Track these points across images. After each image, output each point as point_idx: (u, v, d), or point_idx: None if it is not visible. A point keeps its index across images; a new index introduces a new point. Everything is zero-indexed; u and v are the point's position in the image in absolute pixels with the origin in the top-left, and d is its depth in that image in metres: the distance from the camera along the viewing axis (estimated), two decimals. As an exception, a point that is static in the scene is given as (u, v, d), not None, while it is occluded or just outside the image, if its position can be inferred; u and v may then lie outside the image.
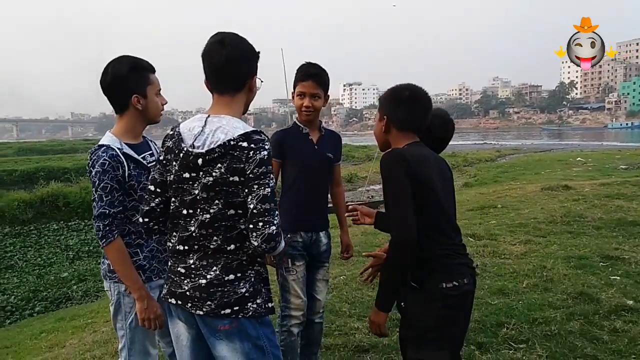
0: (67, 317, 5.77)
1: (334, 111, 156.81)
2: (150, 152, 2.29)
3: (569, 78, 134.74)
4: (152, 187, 1.80)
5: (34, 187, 16.76)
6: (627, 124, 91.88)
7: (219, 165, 1.63)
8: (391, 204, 1.86)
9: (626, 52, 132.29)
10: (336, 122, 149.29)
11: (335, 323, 3.77)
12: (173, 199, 1.75)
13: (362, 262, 5.06)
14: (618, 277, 4.37)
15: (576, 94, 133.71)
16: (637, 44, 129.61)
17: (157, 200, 1.79)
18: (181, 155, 1.69)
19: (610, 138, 56.39)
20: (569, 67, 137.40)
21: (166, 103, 2.32)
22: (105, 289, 2.29)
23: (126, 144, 2.17)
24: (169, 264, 1.81)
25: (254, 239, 1.61)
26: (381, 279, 1.92)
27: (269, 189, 1.62)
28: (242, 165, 1.62)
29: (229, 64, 1.71)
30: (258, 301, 1.71)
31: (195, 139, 1.68)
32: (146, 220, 1.81)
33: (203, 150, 1.65)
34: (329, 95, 2.71)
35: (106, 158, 2.07)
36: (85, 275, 9.22)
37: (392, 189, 1.86)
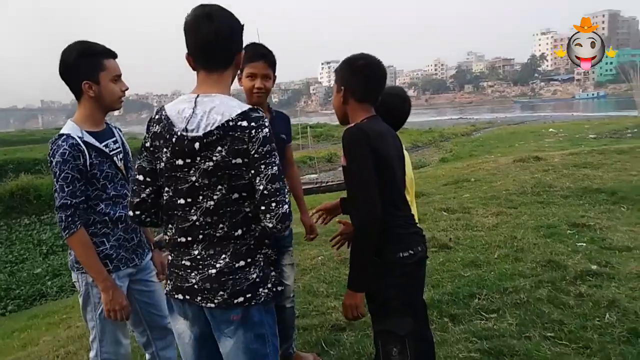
0: (40, 314, 5.69)
1: (313, 90, 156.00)
2: (114, 139, 2.23)
3: (539, 51, 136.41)
4: (140, 177, 1.67)
5: (3, 180, 16.39)
6: (593, 94, 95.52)
7: (219, 148, 1.52)
8: (355, 182, 1.87)
9: (594, 23, 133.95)
10: (315, 101, 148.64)
11: (312, 303, 3.78)
12: (166, 189, 1.63)
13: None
14: (584, 244, 4.50)
15: (547, 66, 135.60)
16: (603, 15, 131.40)
17: (147, 190, 1.67)
18: (173, 140, 1.56)
19: (579, 109, 57.51)
20: (539, 39, 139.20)
21: (126, 89, 2.23)
22: (73, 280, 2.25)
23: (87, 131, 2.11)
24: (170, 258, 1.71)
25: (269, 221, 1.54)
26: (351, 259, 1.92)
27: (276, 168, 1.55)
28: (245, 146, 1.52)
29: (219, 40, 1.58)
30: (269, 285, 1.65)
31: (187, 122, 1.55)
32: (137, 213, 1.69)
33: (200, 134, 1.53)
34: (276, 76, 2.62)
35: (66, 147, 2.01)
36: (60, 270, 9.09)
37: (355, 167, 1.86)
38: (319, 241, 5.61)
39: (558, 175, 7.98)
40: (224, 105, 1.55)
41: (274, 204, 1.52)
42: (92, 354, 2.23)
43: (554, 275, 3.79)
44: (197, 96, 1.59)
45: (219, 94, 1.60)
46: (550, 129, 23.98)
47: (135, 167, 1.73)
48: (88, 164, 2.06)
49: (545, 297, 3.42)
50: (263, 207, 1.53)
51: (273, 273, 1.68)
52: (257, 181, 1.53)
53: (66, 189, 2.01)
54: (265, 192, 1.52)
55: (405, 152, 2.23)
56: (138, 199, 1.67)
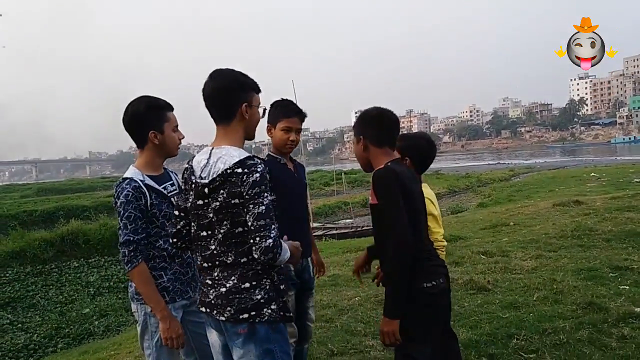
0: (90, 350, 5.91)
1: (347, 138, 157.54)
2: (171, 182, 2.48)
3: (578, 95, 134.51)
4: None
5: (54, 226, 17.16)
6: (630, 138, 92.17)
7: (222, 191, 1.84)
8: (387, 217, 2.05)
9: (634, 66, 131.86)
10: (349, 148, 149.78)
11: (350, 342, 3.87)
12: (193, 224, 1.97)
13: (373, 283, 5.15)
14: (627, 287, 4.43)
15: (587, 110, 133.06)
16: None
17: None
18: (193, 185, 1.93)
19: (623, 153, 55.80)
20: (577, 84, 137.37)
21: (183, 137, 2.51)
22: (132, 311, 2.45)
23: (148, 175, 2.35)
24: (200, 278, 2.03)
25: (255, 252, 1.81)
26: (387, 289, 2.09)
27: (263, 207, 1.80)
28: (239, 189, 1.81)
29: (216, 95, 1.92)
30: (273, 307, 1.87)
31: (202, 171, 1.91)
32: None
33: (207, 181, 1.88)
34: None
35: (129, 189, 2.25)
36: (107, 311, 9.40)
37: (387, 203, 2.05)
38: (355, 283, 5.73)
39: (600, 218, 7.84)
40: (227, 155, 1.87)
41: (258, 239, 1.79)
42: None
43: (595, 317, 3.76)
44: (212, 148, 1.94)
45: (226, 146, 1.91)
46: (592, 173, 23.38)
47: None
48: (149, 204, 2.28)
49: (586, 339, 3.41)
50: (251, 241, 1.81)
51: (281, 298, 1.91)
52: (248, 218, 1.81)
53: (129, 227, 2.22)
54: (252, 227, 1.80)
55: (430, 190, 2.44)
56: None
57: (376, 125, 2.24)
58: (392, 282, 2.06)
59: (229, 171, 1.83)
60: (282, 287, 1.94)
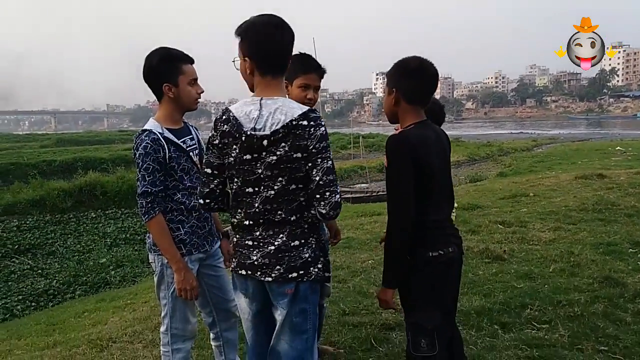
0: (107, 298, 6.07)
1: (366, 101, 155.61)
2: (191, 136, 2.44)
3: (610, 65, 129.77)
4: (209, 170, 1.88)
5: (73, 176, 17.53)
6: None
7: (283, 144, 1.72)
8: (391, 187, 2.01)
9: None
10: (368, 111, 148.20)
11: (362, 303, 3.89)
12: (235, 180, 1.83)
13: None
14: (646, 263, 4.34)
15: (617, 81, 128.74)
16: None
17: (215, 181, 1.89)
18: (243, 138, 1.76)
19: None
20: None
21: (202, 92, 2.42)
22: (150, 261, 2.47)
23: (167, 128, 2.32)
24: (235, 239, 1.93)
25: (322, 207, 1.74)
26: (385, 259, 2.05)
27: (330, 162, 1.76)
28: (305, 142, 1.72)
29: (286, 46, 1.81)
30: (319, 266, 1.84)
31: (255, 123, 1.75)
32: (207, 201, 1.91)
33: (267, 132, 1.73)
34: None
35: (148, 141, 2.22)
36: (123, 261, 9.63)
37: (394, 173, 1.98)
38: (369, 246, 5.74)
39: (623, 193, 7.66)
40: (286, 107, 1.76)
41: (327, 193, 1.73)
42: (162, 328, 2.44)
43: (611, 291, 3.70)
44: (261, 99, 1.79)
45: (279, 97, 1.80)
46: (618, 147, 22.79)
47: (204, 161, 1.93)
48: (167, 157, 2.26)
49: (600, 312, 3.37)
50: (318, 196, 1.74)
51: (324, 257, 1.87)
52: (314, 173, 1.73)
53: (147, 179, 2.22)
54: (320, 182, 1.73)
55: None
56: (207, 189, 1.90)
57: (415, 79, 2.04)
58: (389, 252, 2.03)
59: (293, 123, 1.72)
60: (325, 244, 1.92)
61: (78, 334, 4.18)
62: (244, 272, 1.87)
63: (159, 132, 2.27)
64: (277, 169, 1.75)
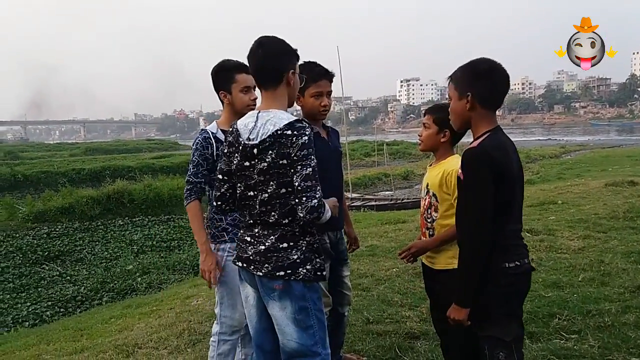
0: (133, 305, 6.16)
1: (391, 108, 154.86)
2: None
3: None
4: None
5: (101, 184, 17.93)
6: None
7: (270, 152, 1.90)
8: (470, 203, 1.93)
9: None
10: (392, 119, 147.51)
11: (387, 312, 3.86)
12: (239, 184, 2.05)
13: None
14: (680, 272, 4.19)
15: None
16: None
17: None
18: (240, 147, 1.99)
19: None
20: (639, 58, 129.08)
21: (255, 98, 2.58)
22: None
23: (222, 130, 2.54)
24: (239, 234, 2.14)
25: (300, 211, 1.88)
26: (460, 277, 1.97)
27: (310, 169, 1.88)
28: (288, 150, 1.88)
29: (266, 61, 1.97)
30: (308, 267, 1.96)
31: (250, 133, 1.97)
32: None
33: (257, 142, 1.94)
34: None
35: (200, 139, 2.53)
36: (149, 268, 9.74)
37: (474, 189, 1.91)
38: (393, 254, 5.69)
39: (655, 201, 7.44)
40: (276, 118, 1.94)
41: (304, 198, 1.86)
42: (216, 311, 2.61)
43: (643, 301, 3.59)
44: (259, 112, 2.01)
45: (274, 109, 1.98)
46: (650, 154, 22.18)
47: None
48: (215, 154, 2.50)
49: (632, 323, 3.27)
50: (297, 200, 1.88)
51: (317, 259, 1.99)
52: (295, 178, 1.88)
53: (192, 170, 2.51)
54: (299, 187, 1.87)
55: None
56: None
57: (489, 81, 1.96)
58: (465, 272, 1.95)
59: (279, 132, 1.89)
60: (318, 247, 2.03)
61: (105, 340, 4.25)
62: (240, 264, 2.07)
63: (212, 132, 2.55)
64: (267, 174, 1.93)
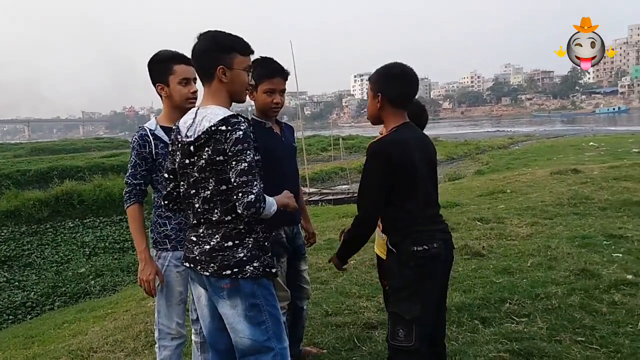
0: (87, 308, 5.97)
1: (345, 102, 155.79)
2: None
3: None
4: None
5: (48, 186, 17.12)
6: (614, 109, 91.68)
7: (206, 148, 1.88)
8: (362, 187, 2.19)
9: (638, 34, 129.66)
10: (347, 113, 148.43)
11: (345, 303, 3.91)
12: (182, 182, 2.03)
13: (370, 246, 5.18)
14: (620, 254, 4.46)
15: (589, 78, 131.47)
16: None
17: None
18: (179, 145, 1.98)
19: (623, 122, 55.61)
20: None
21: (196, 91, 2.44)
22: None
23: (162, 126, 2.41)
24: (186, 234, 2.10)
25: (238, 208, 1.85)
26: (343, 241, 2.34)
27: (245, 164, 1.84)
28: (223, 146, 1.85)
29: (195, 56, 1.98)
30: (255, 264, 1.94)
31: (187, 130, 1.95)
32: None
33: (192, 139, 1.91)
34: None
35: (136, 137, 2.38)
36: (102, 271, 9.43)
37: (366, 180, 2.16)
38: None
39: (596, 187, 7.85)
40: (211, 114, 1.90)
41: (240, 194, 1.83)
42: (155, 317, 2.53)
43: (587, 283, 3.80)
44: (198, 108, 1.99)
45: (212, 105, 1.95)
46: (591, 143, 23.32)
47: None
48: (153, 152, 2.36)
49: (577, 304, 3.45)
50: (234, 197, 1.85)
51: (265, 255, 1.99)
52: (231, 174, 1.85)
53: (130, 171, 2.37)
54: (235, 183, 1.84)
55: None
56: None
57: (398, 84, 2.19)
58: (348, 242, 2.31)
59: (213, 128, 1.86)
60: (266, 244, 2.02)
61: (58, 346, 4.10)
62: (188, 264, 2.03)
63: (149, 129, 2.39)
64: (206, 171, 1.90)
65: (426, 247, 2.10)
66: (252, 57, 2.06)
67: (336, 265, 2.40)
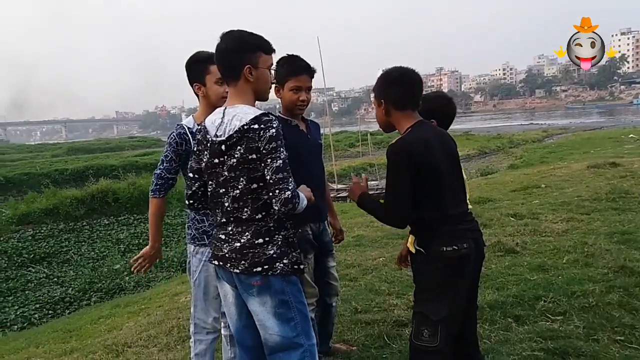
0: (121, 304, 6.12)
1: (373, 97, 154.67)
2: None
3: (619, 52, 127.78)
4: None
5: (84, 184, 17.59)
6: None
7: (239, 147, 1.90)
8: (389, 193, 2.12)
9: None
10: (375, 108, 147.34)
11: (374, 301, 3.88)
12: (210, 182, 2.03)
13: (399, 243, 5.14)
14: (662, 251, 4.28)
15: (628, 68, 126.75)
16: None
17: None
18: (209, 145, 1.98)
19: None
20: (619, 40, 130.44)
21: None
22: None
23: (199, 124, 2.43)
24: (214, 232, 2.13)
25: (275, 204, 1.88)
26: (369, 209, 2.28)
27: (280, 161, 1.87)
28: (256, 144, 1.88)
29: (221, 56, 1.99)
30: (285, 261, 1.96)
31: (217, 130, 1.96)
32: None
33: (224, 138, 1.93)
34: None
35: (174, 134, 2.45)
36: (137, 267, 9.65)
37: (392, 181, 2.10)
38: (380, 243, 5.73)
39: (636, 181, 7.58)
40: (242, 113, 1.93)
41: (277, 191, 1.86)
42: (191, 311, 2.60)
43: (626, 281, 3.66)
44: (225, 108, 2.00)
45: (240, 105, 1.97)
46: (631, 135, 22.50)
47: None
48: (189, 150, 2.38)
49: (616, 302, 3.33)
50: (270, 194, 1.88)
51: (293, 252, 1.99)
52: (266, 172, 1.88)
53: (164, 164, 2.45)
54: (271, 181, 1.87)
55: None
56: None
57: (398, 87, 2.17)
58: (372, 214, 2.28)
59: (245, 127, 1.88)
60: (294, 241, 2.03)
61: (94, 340, 4.22)
62: (216, 262, 2.04)
63: (187, 127, 2.46)
64: (237, 170, 1.92)
65: (456, 248, 2.06)
66: (278, 56, 2.09)
67: (354, 195, 2.31)
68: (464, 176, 2.66)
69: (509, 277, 4.04)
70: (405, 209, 2.08)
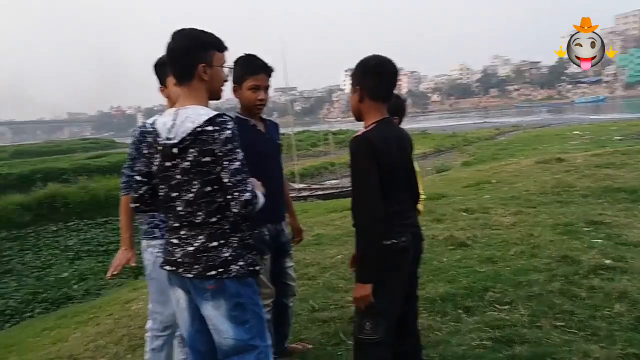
0: (69, 314, 5.88)
1: (335, 97, 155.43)
2: None
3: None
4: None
5: (31, 189, 16.80)
6: (593, 98, 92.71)
7: (192, 150, 1.83)
8: (360, 185, 2.08)
9: (624, 24, 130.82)
10: (338, 108, 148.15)
11: (332, 298, 3.89)
12: (161, 186, 1.96)
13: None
14: (600, 240, 4.49)
15: (576, 68, 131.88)
16: (635, 15, 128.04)
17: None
18: (160, 148, 1.91)
19: (607, 111, 56.17)
20: (566, 40, 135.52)
21: None
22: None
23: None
24: (166, 237, 2.05)
25: (234, 207, 1.84)
26: (360, 256, 2.11)
27: (237, 163, 1.84)
28: (211, 147, 1.82)
29: (174, 55, 1.92)
30: (240, 263, 1.91)
31: (169, 132, 1.89)
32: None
33: (176, 141, 1.86)
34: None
35: (137, 132, 2.45)
36: (86, 274, 9.29)
37: (359, 174, 2.07)
38: (339, 241, 5.75)
39: (579, 175, 7.94)
40: (194, 114, 1.86)
41: (236, 193, 1.83)
42: (149, 307, 2.59)
43: (567, 269, 3.82)
44: (177, 109, 1.92)
45: (192, 105, 1.90)
46: (575, 132, 23.57)
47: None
48: None
49: (557, 290, 3.47)
50: (229, 196, 1.84)
51: (250, 254, 1.96)
52: (223, 175, 1.84)
53: (128, 163, 2.49)
54: (229, 183, 1.83)
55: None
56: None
57: (375, 76, 2.15)
58: (364, 247, 2.09)
59: (198, 129, 1.82)
60: (250, 242, 1.99)
61: (36, 354, 4.05)
62: (168, 267, 1.98)
63: (149, 124, 2.40)
64: (191, 173, 1.86)
65: (395, 241, 2.09)
66: (235, 55, 2.06)
67: (367, 296, 2.06)
68: (418, 174, 2.71)
69: (460, 270, 4.14)
70: (379, 202, 2.04)
